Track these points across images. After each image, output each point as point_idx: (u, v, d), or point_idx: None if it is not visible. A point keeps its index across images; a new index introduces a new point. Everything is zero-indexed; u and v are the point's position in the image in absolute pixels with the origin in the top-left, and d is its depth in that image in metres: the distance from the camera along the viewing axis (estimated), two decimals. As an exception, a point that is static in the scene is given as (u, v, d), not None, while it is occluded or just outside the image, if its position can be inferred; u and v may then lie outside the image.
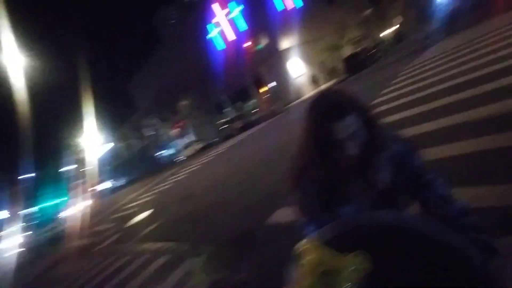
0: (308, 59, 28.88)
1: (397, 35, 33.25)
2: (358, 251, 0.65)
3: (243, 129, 23.84)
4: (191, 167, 17.67)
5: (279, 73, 27.55)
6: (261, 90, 25.77)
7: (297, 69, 28.05)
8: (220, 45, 29.58)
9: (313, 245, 0.69)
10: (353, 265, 0.63)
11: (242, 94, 30.46)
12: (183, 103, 33.77)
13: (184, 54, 31.84)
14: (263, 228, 3.86)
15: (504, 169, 2.44)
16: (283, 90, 27.98)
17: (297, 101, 25.44)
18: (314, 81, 23.17)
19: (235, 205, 5.61)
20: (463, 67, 6.49)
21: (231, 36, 28.39)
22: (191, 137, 37.93)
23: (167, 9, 37.96)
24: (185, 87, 31.44)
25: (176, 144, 42.84)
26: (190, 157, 27.03)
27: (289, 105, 24.37)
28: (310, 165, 1.03)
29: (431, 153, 3.29)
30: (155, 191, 15.14)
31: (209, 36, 29.77)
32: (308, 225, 1.06)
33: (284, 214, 3.70)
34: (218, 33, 29.26)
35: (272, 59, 26.87)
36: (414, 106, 5.59)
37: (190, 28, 31.42)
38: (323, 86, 26.01)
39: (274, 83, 28.12)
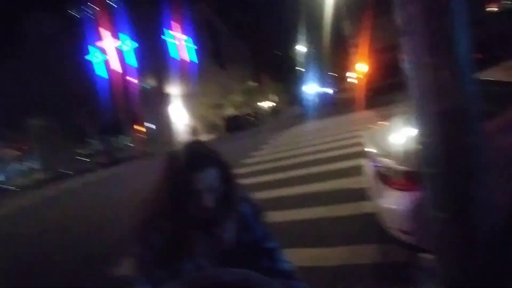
0: (192, 110, 29.67)
1: (273, 109, 39.30)
2: None
3: (106, 165, 21.26)
4: (30, 200, 14.07)
5: (160, 117, 26.91)
6: (137, 129, 24.25)
7: (179, 117, 28.22)
8: (100, 70, 27.03)
9: None
10: None
11: (113, 128, 27.71)
12: (34, 121, 27.78)
13: (50, 67, 27.19)
14: (107, 279, 3.40)
15: (336, 234, 3.07)
16: (161, 134, 27.20)
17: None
18: (194, 132, 23.71)
19: (77, 251, 4.74)
20: (315, 148, 8.10)
21: (116, 67, 26.55)
22: (33, 164, 30.71)
23: (45, 14, 32.63)
24: (41, 104, 26.15)
25: (9, 169, 33.68)
26: (25, 188, 21.60)
27: (164, 150, 23.63)
28: (159, 215, 0.97)
29: (277, 216, 3.87)
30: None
31: (89, 57, 26.93)
32: (142, 283, 0.98)
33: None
34: (101, 59, 26.91)
35: (156, 101, 26.23)
36: (271, 172, 6.52)
37: (66, 41, 27.66)
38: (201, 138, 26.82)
39: (152, 125, 27.11)
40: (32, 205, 12.31)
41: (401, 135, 2.74)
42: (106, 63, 26.95)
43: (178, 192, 0.92)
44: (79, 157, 24.50)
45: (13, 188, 24.25)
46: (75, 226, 6.59)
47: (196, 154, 0.94)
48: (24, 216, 10.07)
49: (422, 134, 1.23)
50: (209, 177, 0.92)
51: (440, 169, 1.18)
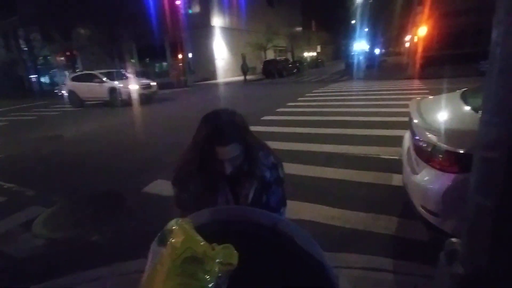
0: (232, 46, 28.91)
1: (315, 60, 37.27)
2: (228, 245, 0.61)
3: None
4: (69, 106, 15.14)
5: (201, 48, 26.56)
6: (177, 57, 24.22)
7: (220, 51, 27.70)
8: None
9: (182, 227, 0.64)
10: (219, 257, 0.59)
11: (153, 52, 27.95)
12: (81, 30, 28.39)
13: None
14: (137, 194, 3.70)
15: (359, 199, 3.08)
16: (199, 66, 27.14)
17: (207, 81, 25.09)
18: (243, 71, 23.00)
19: (115, 162, 5.17)
20: (355, 109, 7.80)
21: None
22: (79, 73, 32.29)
23: None
24: (86, 13, 26.37)
25: (55, 74, 35.75)
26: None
27: (200, 83, 23.82)
28: (190, 168, 1.12)
29: (303, 170, 3.92)
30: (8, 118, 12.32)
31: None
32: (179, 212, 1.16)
33: (164, 187, 3.63)
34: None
35: (199, 30, 25.69)
36: (306, 126, 6.42)
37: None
38: (240, 77, 26.54)
39: (191, 55, 26.96)
40: (72, 112, 13.23)
41: (452, 112, 2.52)
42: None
43: (204, 156, 1.07)
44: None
45: (58, 92, 26.01)
46: (119, 135, 7.10)
47: (220, 130, 1.04)
48: (69, 117, 10.99)
49: (488, 112, 1.09)
50: (229, 151, 1.05)
51: (499, 153, 1.07)
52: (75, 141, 7.19)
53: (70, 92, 14.51)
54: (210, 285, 0.56)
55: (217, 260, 0.58)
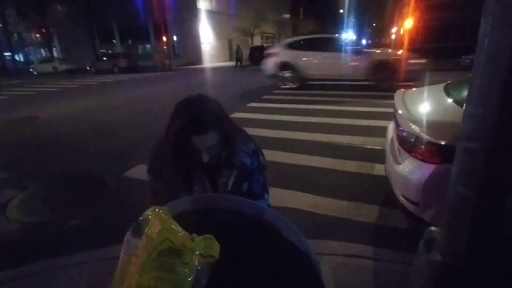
0: (219, 30, 28.29)
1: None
2: (208, 235, 0.57)
3: (126, 70, 21.21)
4: (45, 86, 14.46)
5: (186, 31, 25.83)
6: (161, 39, 23.46)
7: (206, 35, 27.05)
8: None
9: (159, 216, 0.59)
10: (199, 249, 0.55)
11: (136, 33, 26.97)
12: (58, 7, 26.90)
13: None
14: (119, 178, 3.61)
15: (342, 188, 3.12)
16: (184, 50, 26.44)
17: (193, 66, 24.55)
18: (238, 57, 22.29)
19: (96, 146, 5.01)
20: (341, 99, 7.81)
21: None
22: (54, 52, 30.79)
23: None
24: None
25: (30, 52, 33.96)
26: (44, 75, 22.04)
27: (184, 67, 23.27)
28: (165, 157, 1.07)
29: (287, 158, 3.94)
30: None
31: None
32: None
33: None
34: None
35: (184, 12, 24.90)
36: (292, 114, 6.42)
37: None
38: (226, 63, 26.09)
39: (175, 38, 26.17)
40: (49, 92, 12.66)
41: (435, 104, 2.57)
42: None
43: (179, 146, 1.01)
44: (101, 57, 24.23)
45: (33, 71, 24.77)
46: (95, 119, 6.86)
47: (197, 118, 0.97)
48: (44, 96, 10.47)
49: (472, 104, 1.10)
50: (206, 140, 0.99)
51: (481, 144, 1.09)
52: (52, 122, 6.89)
53: (286, 66, 9.53)
54: (189, 279, 0.52)
55: (197, 252, 0.54)
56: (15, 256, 2.28)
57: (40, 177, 3.77)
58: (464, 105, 1.18)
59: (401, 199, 2.11)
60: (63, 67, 24.36)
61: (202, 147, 1.01)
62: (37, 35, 31.35)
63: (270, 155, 3.88)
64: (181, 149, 1.02)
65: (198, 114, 0.98)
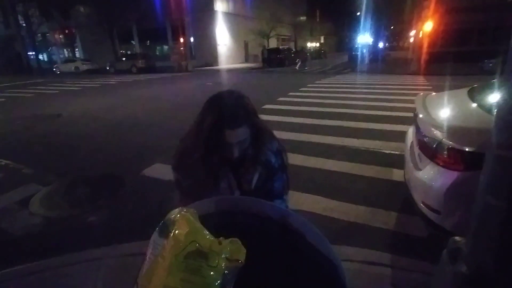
0: (235, 32, 28.47)
1: (319, 51, 36.81)
2: (235, 239, 0.56)
3: (144, 70, 21.66)
4: (67, 85, 14.94)
5: (203, 32, 26.14)
6: (178, 40, 23.84)
7: (222, 37, 27.29)
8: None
9: (186, 218, 0.58)
10: (226, 252, 0.54)
11: (155, 34, 27.50)
12: (80, 8, 27.78)
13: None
14: (137, 177, 3.68)
15: (358, 193, 3.08)
16: (201, 51, 26.75)
17: (209, 67, 24.81)
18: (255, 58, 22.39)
19: (115, 144, 5.13)
20: (357, 102, 7.74)
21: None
22: (76, 53, 31.81)
23: None
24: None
25: (54, 52, 35.16)
26: (67, 75, 22.78)
27: (200, 68, 23.54)
28: (193, 153, 1.06)
29: (303, 161, 3.91)
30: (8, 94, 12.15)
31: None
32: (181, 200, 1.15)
33: (163, 170, 3.60)
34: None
35: (201, 14, 25.23)
36: (308, 116, 6.38)
37: None
38: (242, 65, 26.24)
39: (192, 39, 26.50)
40: (71, 91, 13.06)
41: (459, 109, 2.48)
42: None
43: (211, 140, 1.01)
44: (120, 57, 24.84)
45: (56, 70, 25.62)
46: (117, 118, 7.03)
47: (229, 113, 0.98)
48: (66, 96, 10.82)
49: (504, 110, 1.05)
50: (237, 135, 0.99)
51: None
52: (73, 120, 7.11)
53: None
54: (216, 283, 0.52)
55: (223, 256, 0.53)
56: (36, 249, 2.35)
57: (62, 173, 3.89)
58: (495, 111, 1.13)
59: (421, 206, 2.05)
60: (85, 67, 25.11)
61: (234, 142, 1.01)
62: (60, 36, 32.44)
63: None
64: (213, 144, 1.02)
65: (232, 108, 1.00)
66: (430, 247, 1.57)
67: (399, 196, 2.84)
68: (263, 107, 7.50)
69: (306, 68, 21.15)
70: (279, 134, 4.63)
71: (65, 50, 34.03)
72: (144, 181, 3.56)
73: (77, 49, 32.42)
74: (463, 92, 2.67)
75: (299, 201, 2.88)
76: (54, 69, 26.20)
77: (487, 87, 2.53)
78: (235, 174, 1.12)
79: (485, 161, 1.15)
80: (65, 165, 4.19)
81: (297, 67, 21.12)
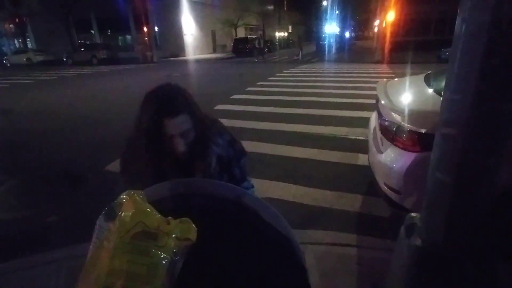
0: (202, 22, 27.76)
1: (287, 41, 36.96)
2: (185, 218, 0.56)
3: (106, 62, 20.52)
4: (19, 78, 13.80)
5: (168, 22, 25.20)
6: (142, 30, 22.76)
7: (188, 26, 26.48)
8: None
9: (133, 199, 0.57)
10: (175, 232, 0.53)
11: (116, 23, 26.07)
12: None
13: None
14: (100, 173, 3.50)
15: (324, 178, 3.15)
16: (167, 41, 25.82)
17: (176, 58, 24.05)
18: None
19: (75, 140, 4.85)
20: (325, 91, 7.89)
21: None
22: (28, 43, 29.39)
23: None
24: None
25: (4, 43, 32.27)
26: (18, 67, 21.02)
27: (166, 59, 22.76)
28: (138, 153, 1.03)
29: (270, 149, 3.92)
30: None
31: None
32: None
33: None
34: None
35: (166, 2, 24.24)
36: (277, 105, 6.42)
37: None
38: (210, 55, 25.70)
39: (157, 29, 25.48)
40: (23, 84, 12.11)
41: (416, 93, 2.61)
42: None
43: (152, 136, 0.97)
44: (79, 48, 23.33)
45: (7, 63, 23.60)
46: (75, 112, 6.61)
47: (166, 101, 0.95)
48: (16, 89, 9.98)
49: (450, 90, 1.11)
50: (179, 123, 0.96)
51: (460, 130, 1.10)
52: (26, 116, 6.60)
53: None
54: (164, 262, 0.51)
55: (173, 235, 0.53)
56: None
57: (15, 172, 3.61)
58: (443, 92, 1.18)
59: (384, 187, 2.15)
60: (38, 58, 23.30)
61: (176, 132, 0.96)
62: (10, 26, 29.77)
63: (254, 146, 3.89)
64: (154, 139, 0.98)
65: (168, 95, 0.97)
66: (392, 226, 1.65)
67: (364, 180, 2.96)
68: (232, 97, 7.44)
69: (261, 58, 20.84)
70: (248, 123, 4.66)
71: (15, 40, 31.33)
72: (108, 177, 3.40)
73: (28, 39, 29.97)
74: (420, 78, 2.80)
75: (269, 189, 2.91)
76: (4, 62, 24.07)
77: (442, 73, 2.67)
78: (186, 175, 1.07)
79: (434, 140, 1.22)
80: (18, 164, 3.89)
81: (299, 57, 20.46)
